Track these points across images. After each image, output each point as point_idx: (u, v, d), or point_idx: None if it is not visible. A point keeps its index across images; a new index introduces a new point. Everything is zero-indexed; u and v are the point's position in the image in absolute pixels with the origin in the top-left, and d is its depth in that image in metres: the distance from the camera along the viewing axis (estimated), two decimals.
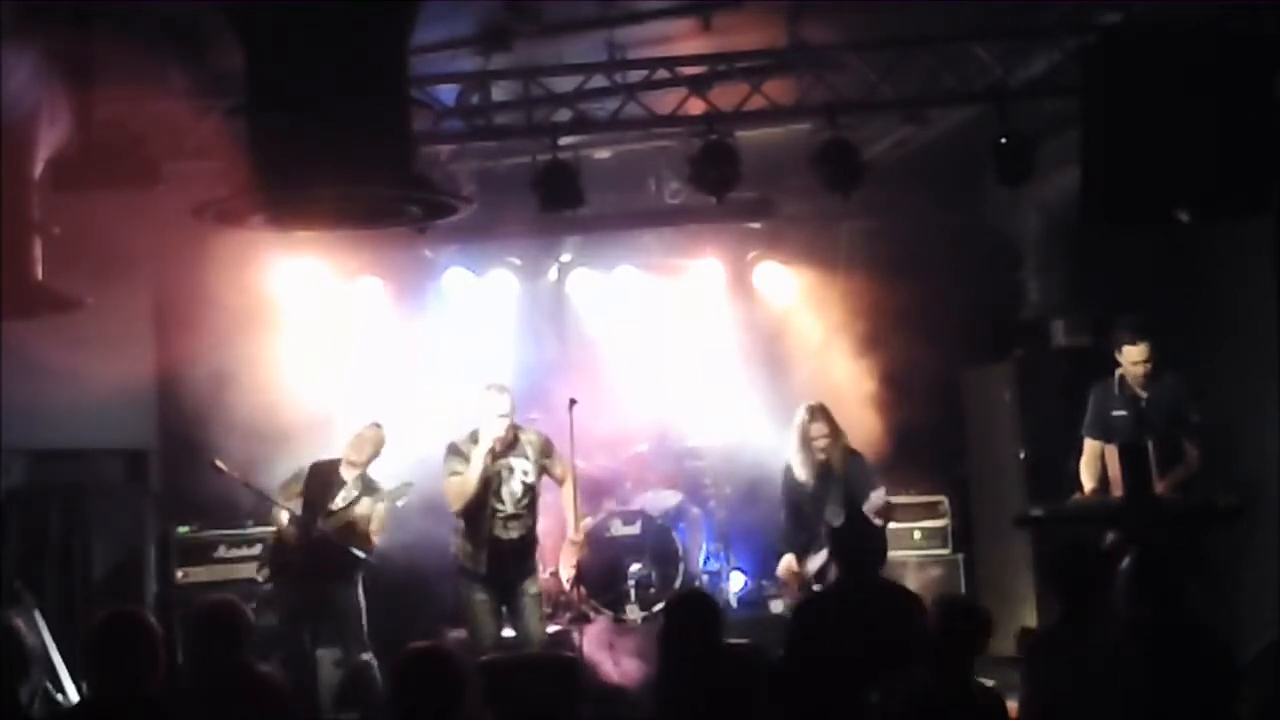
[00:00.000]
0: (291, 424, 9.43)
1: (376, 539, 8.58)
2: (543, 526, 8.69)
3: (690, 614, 5.94)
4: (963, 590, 9.73)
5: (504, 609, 8.46)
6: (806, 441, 8.65)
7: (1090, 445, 8.24)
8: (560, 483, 8.64)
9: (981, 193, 9.79)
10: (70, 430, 9.04)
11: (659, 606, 9.32)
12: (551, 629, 9.46)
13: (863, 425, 9.37)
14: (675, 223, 10.80)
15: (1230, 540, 8.05)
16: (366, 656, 8.48)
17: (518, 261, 11.23)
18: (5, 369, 7.62)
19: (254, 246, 9.00)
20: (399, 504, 8.65)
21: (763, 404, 10.40)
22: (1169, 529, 7.57)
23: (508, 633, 8.59)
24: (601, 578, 9.87)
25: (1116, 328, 8.16)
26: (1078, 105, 6.87)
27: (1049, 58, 8.01)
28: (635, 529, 10.20)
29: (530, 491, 8.44)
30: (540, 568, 8.80)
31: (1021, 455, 9.81)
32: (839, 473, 8.63)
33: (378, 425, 8.89)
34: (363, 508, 8.52)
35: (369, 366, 10.44)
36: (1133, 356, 8.00)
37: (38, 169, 6.72)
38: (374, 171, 5.53)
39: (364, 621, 8.57)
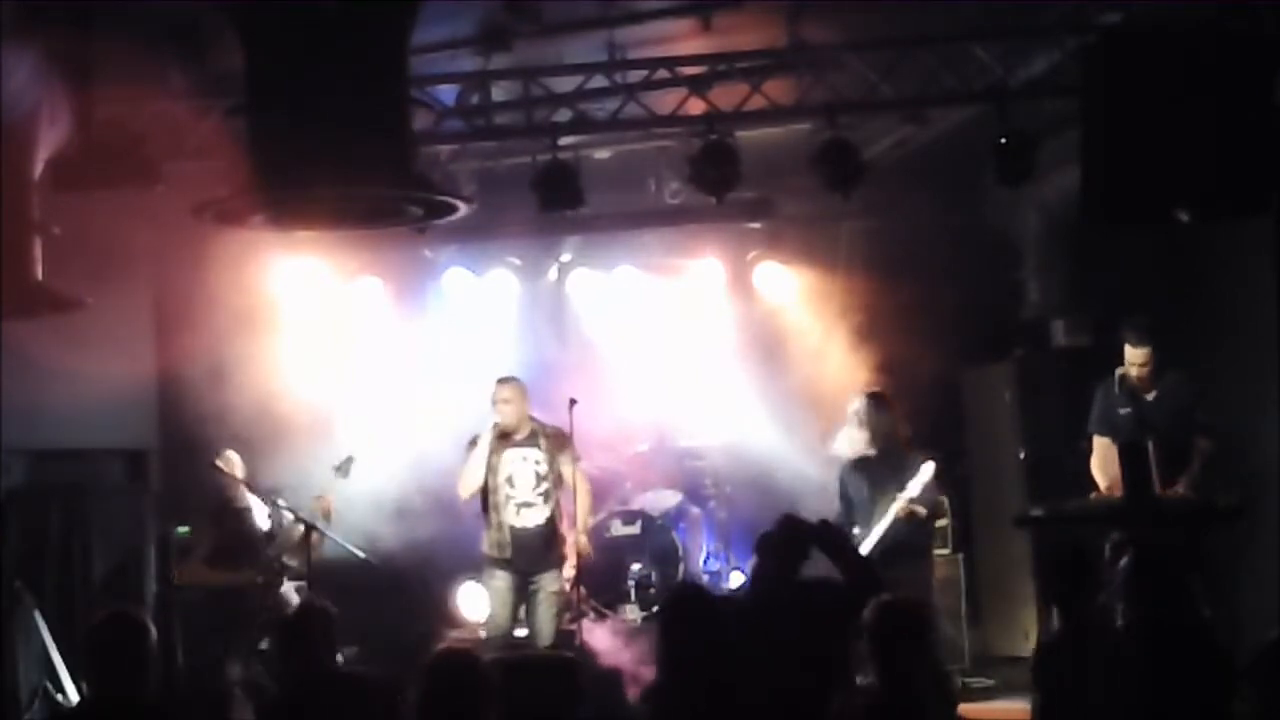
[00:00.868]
0: (291, 424, 9.44)
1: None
2: None
3: (686, 612, 5.84)
4: (963, 590, 9.72)
5: (523, 605, 8.51)
6: (858, 427, 8.49)
7: (1099, 443, 8.18)
8: (565, 483, 8.65)
9: (981, 193, 9.78)
10: (70, 430, 9.04)
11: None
12: None
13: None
14: (675, 223, 10.79)
15: (1230, 540, 8.03)
16: None
17: (518, 261, 11.22)
18: (5, 369, 7.61)
19: (254, 246, 9.00)
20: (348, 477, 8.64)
21: (763, 404, 10.41)
22: (1169, 529, 7.56)
23: (522, 633, 8.64)
24: (601, 578, 9.87)
25: (1123, 327, 8.12)
26: (1078, 105, 6.86)
27: (1049, 58, 8.00)
28: (635, 529, 10.21)
29: (544, 481, 8.48)
30: (563, 565, 8.72)
31: (1021, 455, 9.80)
32: (890, 464, 8.39)
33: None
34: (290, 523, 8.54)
35: (369, 366, 10.44)
36: (1134, 359, 7.98)
37: (38, 169, 6.73)
38: (374, 171, 5.54)
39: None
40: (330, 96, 5.43)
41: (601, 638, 9.23)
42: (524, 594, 8.51)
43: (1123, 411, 8.06)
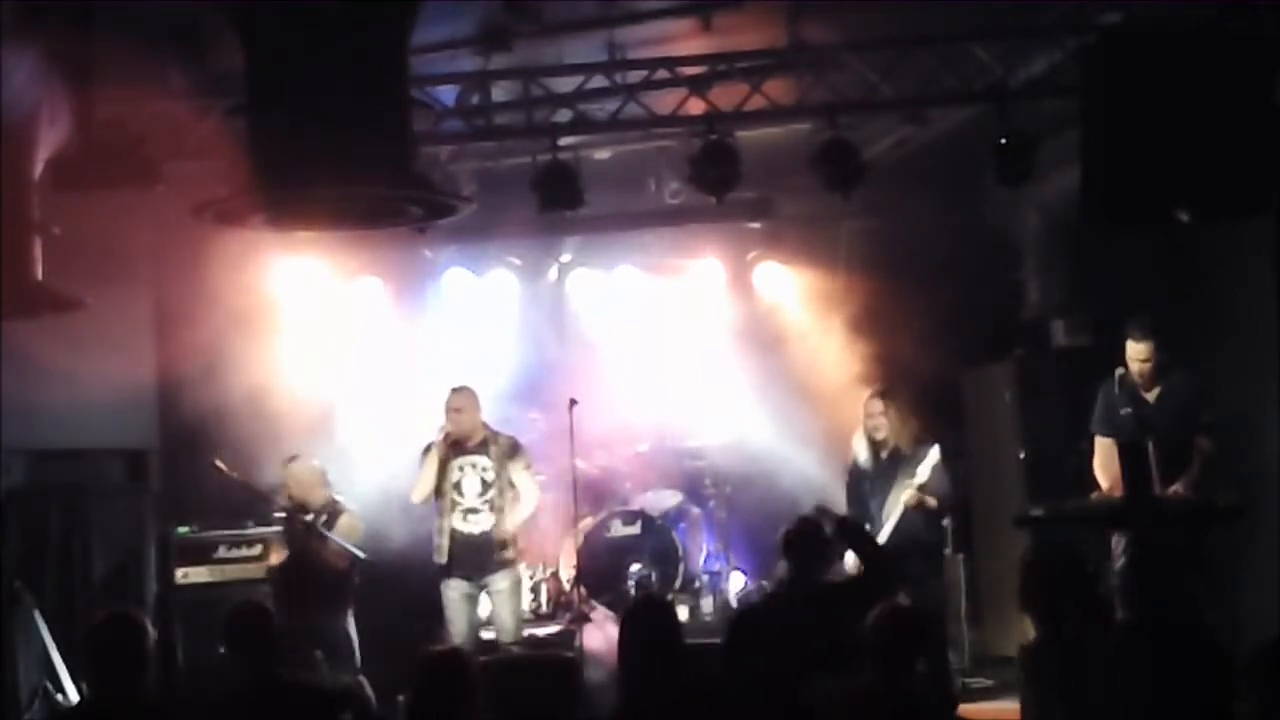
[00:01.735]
0: (292, 424, 9.43)
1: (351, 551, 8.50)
2: (543, 526, 8.70)
3: (646, 622, 5.69)
4: (963, 590, 9.72)
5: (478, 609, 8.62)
6: (864, 420, 8.55)
7: (1101, 443, 8.18)
8: (517, 491, 8.62)
9: (981, 193, 9.78)
10: (70, 430, 9.03)
11: None
12: (552, 629, 9.47)
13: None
14: (675, 223, 10.80)
15: (1230, 540, 8.03)
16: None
17: (518, 261, 11.22)
18: (5, 369, 7.61)
19: (254, 246, 8.99)
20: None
21: (762, 404, 10.41)
22: (1169, 529, 7.56)
23: (489, 635, 8.71)
24: (601, 578, 9.87)
25: (1127, 324, 8.12)
26: (1078, 105, 6.87)
27: (1049, 58, 8.01)
28: (635, 529, 10.21)
29: (490, 488, 8.52)
30: (518, 565, 8.80)
31: (1021, 455, 9.80)
32: (900, 459, 8.43)
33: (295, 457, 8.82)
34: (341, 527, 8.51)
35: (369, 366, 10.44)
36: (1135, 354, 7.97)
37: (38, 169, 6.73)
38: (374, 171, 5.54)
39: (355, 649, 8.40)
40: (330, 96, 5.43)
41: (601, 638, 9.22)
42: (477, 599, 8.65)
43: (1123, 412, 8.05)
